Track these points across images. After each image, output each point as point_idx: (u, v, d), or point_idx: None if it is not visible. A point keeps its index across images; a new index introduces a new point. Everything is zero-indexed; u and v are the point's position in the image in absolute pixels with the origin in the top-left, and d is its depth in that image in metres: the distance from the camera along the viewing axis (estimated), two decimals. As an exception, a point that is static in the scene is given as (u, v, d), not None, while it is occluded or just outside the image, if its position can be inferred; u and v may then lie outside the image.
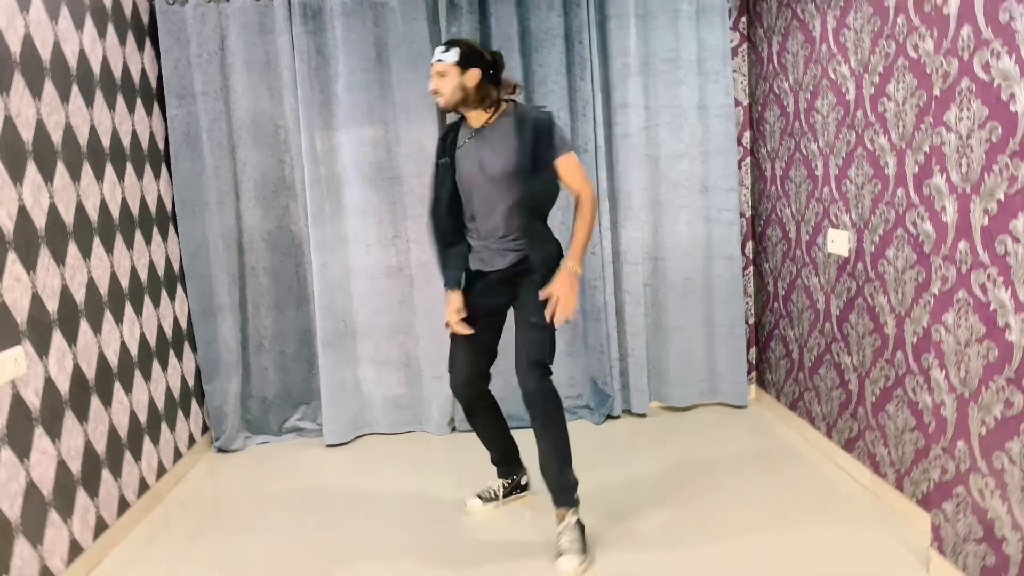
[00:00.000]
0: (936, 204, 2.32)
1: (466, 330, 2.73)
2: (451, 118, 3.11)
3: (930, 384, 2.46)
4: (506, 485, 3.03)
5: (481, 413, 2.91)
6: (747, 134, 3.87)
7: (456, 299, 2.76)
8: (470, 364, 2.80)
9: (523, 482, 3.08)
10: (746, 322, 3.96)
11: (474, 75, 2.57)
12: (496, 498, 3.01)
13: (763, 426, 3.68)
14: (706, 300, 3.88)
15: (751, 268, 3.96)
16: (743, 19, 3.80)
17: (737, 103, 3.84)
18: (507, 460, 3.03)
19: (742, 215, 3.91)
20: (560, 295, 2.53)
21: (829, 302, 3.16)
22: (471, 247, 2.76)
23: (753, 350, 4.01)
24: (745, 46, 3.81)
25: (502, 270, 2.70)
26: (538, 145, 2.57)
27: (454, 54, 2.56)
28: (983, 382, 2.15)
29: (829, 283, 3.15)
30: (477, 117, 2.65)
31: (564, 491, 2.66)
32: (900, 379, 2.67)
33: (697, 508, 2.89)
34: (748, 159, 3.89)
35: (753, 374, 4.04)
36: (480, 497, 3.00)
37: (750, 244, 3.94)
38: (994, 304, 2.07)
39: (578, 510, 2.67)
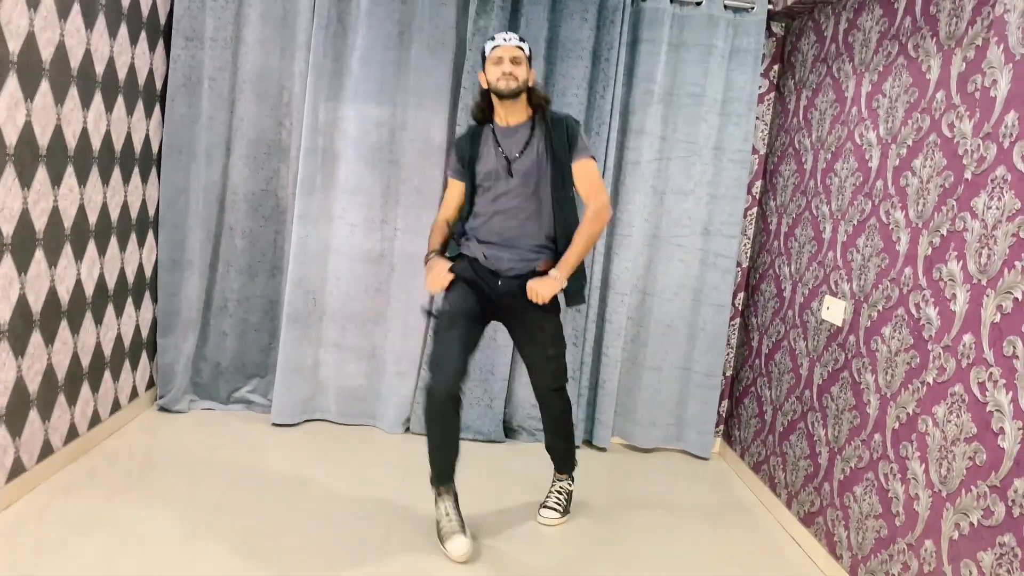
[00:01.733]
0: (946, 291, 2.22)
1: (444, 284, 2.69)
2: (462, 119, 3.09)
3: (905, 475, 2.36)
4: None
5: (450, 416, 2.63)
6: (759, 183, 3.77)
7: (444, 264, 2.70)
8: (458, 364, 2.60)
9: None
10: (723, 374, 3.85)
11: (533, 75, 2.67)
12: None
13: (722, 482, 3.57)
14: (687, 344, 3.78)
15: (738, 319, 3.86)
16: (775, 67, 3.71)
17: (754, 150, 3.74)
18: (452, 470, 2.80)
19: (739, 264, 3.81)
20: (541, 297, 2.61)
21: (813, 369, 3.06)
22: (468, 239, 2.73)
23: (725, 403, 3.91)
24: (773, 94, 3.72)
25: (510, 278, 2.67)
26: (560, 144, 2.64)
27: (527, 48, 2.63)
28: (964, 484, 2.04)
29: (816, 350, 3.05)
30: (515, 115, 2.66)
31: (568, 462, 3.01)
32: (874, 462, 2.57)
33: (637, 553, 2.76)
34: (755, 209, 3.79)
35: (721, 427, 3.94)
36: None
37: (742, 295, 3.84)
38: (991, 405, 1.97)
39: (573, 482, 3.04)
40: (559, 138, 2.63)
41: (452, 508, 2.66)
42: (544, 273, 2.69)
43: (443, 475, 2.69)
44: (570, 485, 3.03)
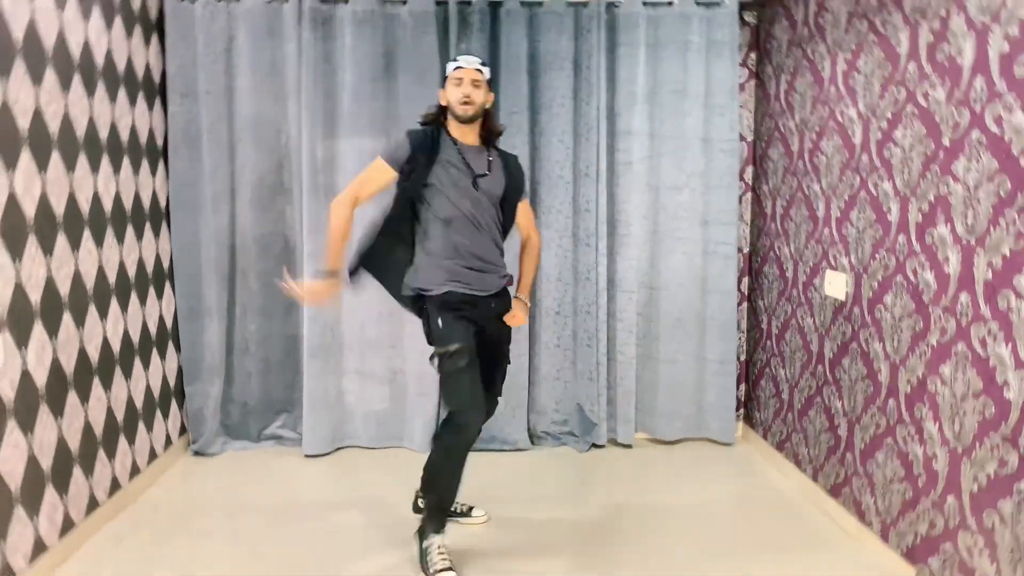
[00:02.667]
0: (939, 254, 2.30)
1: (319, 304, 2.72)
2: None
3: (922, 436, 2.43)
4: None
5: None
6: (749, 170, 3.86)
7: (336, 287, 2.63)
8: (483, 397, 2.65)
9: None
10: (738, 358, 3.93)
11: (491, 97, 2.69)
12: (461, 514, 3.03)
13: (748, 465, 3.64)
14: (699, 334, 3.85)
15: (746, 304, 3.94)
16: (752, 55, 3.80)
17: (741, 138, 3.83)
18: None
19: (740, 250, 3.89)
20: (521, 321, 2.80)
21: (823, 344, 3.13)
22: (442, 268, 2.63)
23: (743, 387, 3.98)
24: (753, 82, 3.81)
25: (497, 296, 2.72)
26: (518, 183, 2.77)
27: (487, 72, 2.65)
28: (978, 438, 2.12)
29: (824, 325, 3.12)
30: (471, 136, 2.68)
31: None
32: (891, 428, 2.64)
33: (673, 546, 2.83)
34: (749, 195, 3.87)
35: (741, 411, 4.01)
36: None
37: (746, 280, 3.92)
38: (993, 360, 2.05)
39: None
40: (514, 174, 2.75)
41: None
42: (507, 292, 2.78)
43: (448, 509, 2.77)
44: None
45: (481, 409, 2.62)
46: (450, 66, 2.64)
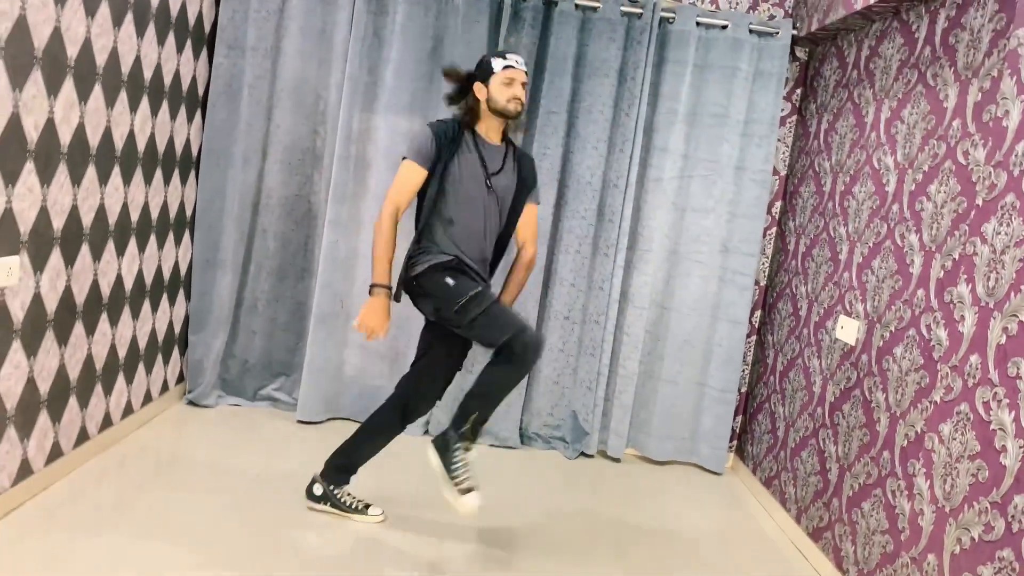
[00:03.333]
0: (955, 313, 2.29)
1: (381, 335, 2.61)
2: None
3: (912, 491, 2.42)
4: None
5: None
6: (778, 204, 3.85)
7: (386, 312, 2.59)
8: (442, 387, 2.77)
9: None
10: (738, 389, 3.92)
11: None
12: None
13: (733, 497, 3.63)
14: (704, 359, 3.85)
15: (755, 337, 3.93)
16: (798, 91, 3.79)
17: (775, 171, 3.82)
18: None
19: (757, 283, 3.88)
20: None
21: (826, 387, 3.12)
22: (457, 259, 2.63)
23: (739, 419, 3.97)
24: (795, 117, 3.80)
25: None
26: (529, 182, 2.76)
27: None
28: (967, 500, 2.10)
29: (830, 368, 3.11)
30: (496, 134, 2.70)
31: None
32: (882, 479, 2.63)
33: (645, 565, 2.83)
34: (774, 229, 3.86)
35: (734, 443, 4.00)
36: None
37: (758, 313, 3.91)
38: (995, 424, 2.03)
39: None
40: (527, 173, 2.75)
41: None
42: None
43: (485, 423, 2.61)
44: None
45: (431, 402, 2.74)
46: (497, 63, 2.59)
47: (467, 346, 2.78)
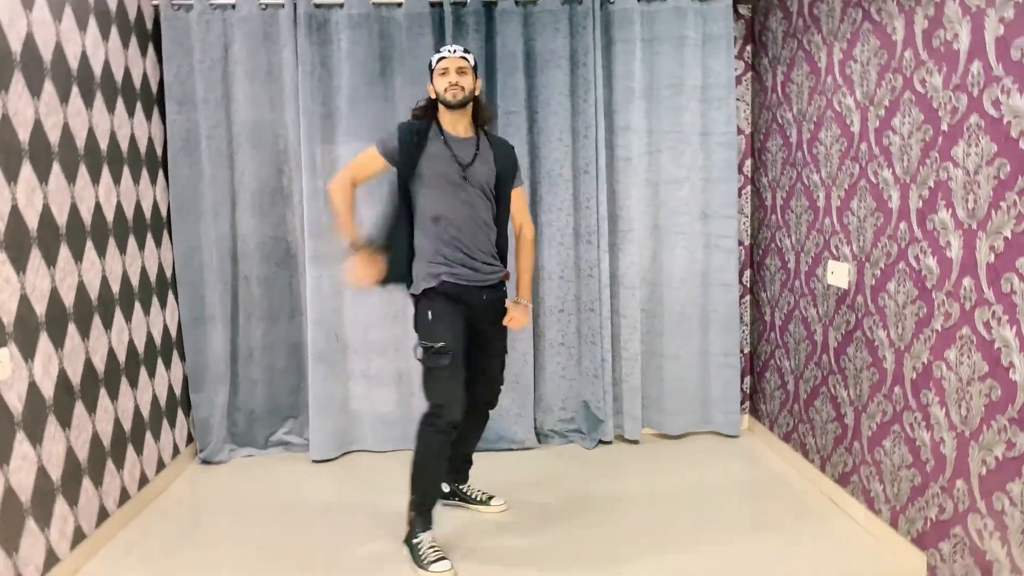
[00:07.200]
0: (940, 239, 2.31)
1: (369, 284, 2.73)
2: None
3: (929, 421, 2.44)
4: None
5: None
6: (748, 162, 3.87)
7: (374, 263, 2.70)
8: (464, 392, 2.70)
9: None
10: (741, 351, 3.93)
11: (479, 84, 2.74)
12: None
13: (755, 457, 3.64)
14: (702, 328, 3.86)
15: (748, 297, 3.94)
16: (748, 48, 3.81)
17: (740, 131, 3.84)
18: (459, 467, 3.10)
19: (741, 243, 3.89)
20: (521, 323, 2.80)
21: (827, 334, 3.14)
22: (434, 263, 2.67)
23: (748, 380, 3.99)
24: (749, 75, 3.82)
25: (490, 288, 2.76)
26: (509, 169, 2.78)
27: (471, 58, 2.69)
28: (984, 421, 2.12)
29: (827, 315, 3.13)
30: (463, 127, 2.72)
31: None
32: (898, 415, 2.64)
33: (682, 539, 2.84)
34: (749, 187, 3.88)
35: (747, 404, 4.01)
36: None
37: (748, 273, 3.93)
38: (998, 342, 2.05)
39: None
40: (505, 160, 2.76)
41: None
42: (502, 286, 2.82)
43: (433, 505, 2.76)
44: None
45: (458, 409, 2.67)
46: (434, 59, 2.70)
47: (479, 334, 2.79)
